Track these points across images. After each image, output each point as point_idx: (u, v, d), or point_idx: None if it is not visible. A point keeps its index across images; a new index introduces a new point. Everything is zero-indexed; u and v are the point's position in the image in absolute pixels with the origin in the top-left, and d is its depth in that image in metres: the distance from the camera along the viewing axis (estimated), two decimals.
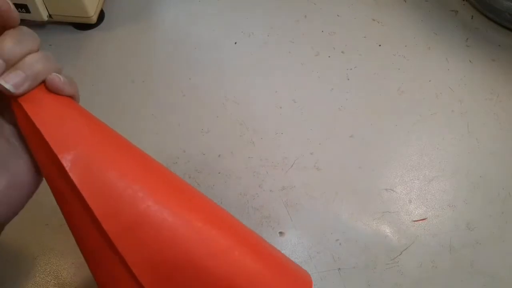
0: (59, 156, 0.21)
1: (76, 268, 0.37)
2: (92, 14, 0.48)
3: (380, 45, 0.52)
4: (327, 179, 0.42)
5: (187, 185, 0.25)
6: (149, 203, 0.21)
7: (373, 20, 0.54)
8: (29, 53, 0.21)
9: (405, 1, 0.56)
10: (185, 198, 0.23)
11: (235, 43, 0.52)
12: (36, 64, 0.21)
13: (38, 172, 0.24)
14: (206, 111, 0.46)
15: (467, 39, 0.52)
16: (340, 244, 0.39)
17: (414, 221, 0.40)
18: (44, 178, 0.23)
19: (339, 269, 0.37)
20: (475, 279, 0.37)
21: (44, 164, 0.22)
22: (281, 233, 0.39)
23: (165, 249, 0.21)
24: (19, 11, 0.46)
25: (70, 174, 0.20)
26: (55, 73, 0.22)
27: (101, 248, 0.21)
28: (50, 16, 0.47)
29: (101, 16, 0.52)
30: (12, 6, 0.21)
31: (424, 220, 0.40)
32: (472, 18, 0.54)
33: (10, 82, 0.20)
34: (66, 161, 0.21)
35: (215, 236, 0.22)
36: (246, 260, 0.23)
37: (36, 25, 0.51)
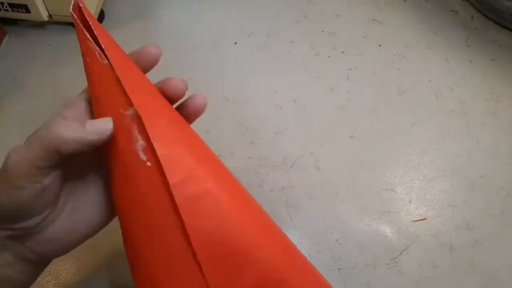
0: (146, 123, 0.21)
1: (76, 268, 0.37)
2: (92, 14, 0.48)
3: (380, 45, 0.52)
4: (327, 179, 0.42)
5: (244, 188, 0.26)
6: (212, 183, 0.22)
7: (373, 20, 0.54)
8: None
9: (405, 1, 0.56)
10: (239, 190, 0.24)
11: (235, 43, 0.52)
12: None
13: (98, 225, 0.25)
14: (206, 111, 0.46)
15: (467, 39, 0.52)
16: (340, 244, 0.39)
17: (414, 221, 0.40)
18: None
19: (339, 269, 0.37)
20: (475, 279, 0.37)
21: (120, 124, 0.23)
22: None
23: (227, 231, 0.21)
24: (19, 12, 0.46)
25: (149, 132, 0.21)
26: None
27: (164, 214, 0.21)
28: (50, 16, 0.47)
29: (101, 16, 0.52)
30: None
31: (424, 220, 0.40)
32: (472, 18, 0.54)
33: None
34: (149, 122, 0.22)
35: (263, 228, 0.23)
36: (289, 259, 0.23)
37: (36, 25, 0.51)
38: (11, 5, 0.45)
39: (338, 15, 0.54)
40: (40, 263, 0.24)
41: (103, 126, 0.22)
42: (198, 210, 0.21)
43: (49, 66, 0.49)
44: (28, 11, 0.45)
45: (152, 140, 0.21)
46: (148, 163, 0.21)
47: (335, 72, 0.49)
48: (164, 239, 0.21)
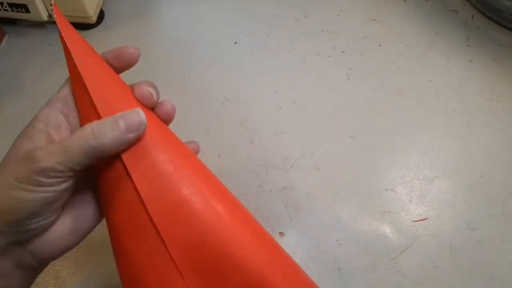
0: None
1: (75, 268, 0.37)
2: (92, 14, 0.48)
3: (380, 45, 0.51)
4: (327, 179, 0.42)
5: (227, 189, 0.26)
6: (192, 191, 0.22)
7: (373, 20, 0.54)
8: None
9: (405, 1, 0.56)
10: (223, 194, 0.24)
11: (235, 43, 0.51)
12: None
13: (93, 224, 0.25)
14: (206, 111, 0.46)
15: (467, 38, 0.52)
16: (340, 244, 0.38)
17: (415, 221, 0.40)
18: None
19: (339, 269, 0.37)
20: (475, 279, 0.37)
21: None
22: (281, 233, 0.39)
23: (202, 235, 0.21)
24: (18, 11, 0.46)
25: (122, 156, 0.21)
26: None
27: (144, 227, 0.22)
28: (49, 16, 0.47)
29: (101, 16, 0.52)
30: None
31: (424, 220, 0.40)
32: (472, 18, 0.54)
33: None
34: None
35: (249, 237, 0.23)
36: (273, 263, 0.23)
37: (36, 25, 0.51)
38: (11, 5, 0.45)
39: (338, 15, 0.54)
40: (39, 267, 0.24)
41: (136, 118, 0.21)
42: (175, 220, 0.21)
43: (49, 65, 0.49)
44: (27, 11, 0.45)
45: (126, 165, 0.21)
46: (125, 175, 0.22)
47: (335, 71, 0.49)
48: (149, 249, 0.22)
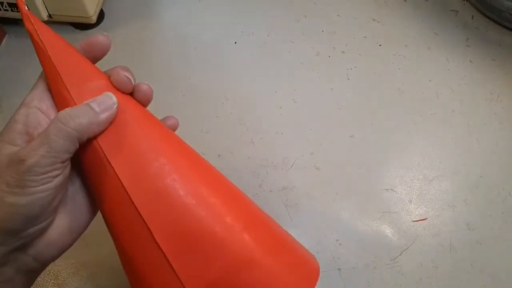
0: None
1: (75, 268, 0.37)
2: (92, 14, 0.48)
3: (380, 45, 0.51)
4: (327, 179, 0.42)
5: (213, 168, 0.26)
6: (174, 177, 0.22)
7: (373, 20, 0.54)
8: None
9: (405, 1, 0.56)
10: (208, 177, 0.24)
11: (235, 43, 0.51)
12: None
13: (87, 220, 0.25)
14: (206, 111, 0.46)
15: (467, 39, 0.52)
16: (340, 244, 0.38)
17: (415, 221, 0.40)
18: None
19: (339, 269, 0.37)
20: (475, 279, 0.37)
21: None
22: None
23: (186, 221, 0.21)
24: (18, 11, 0.46)
25: (99, 141, 0.22)
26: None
27: (129, 211, 0.22)
28: (49, 16, 0.47)
29: (101, 16, 0.52)
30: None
31: (424, 220, 0.40)
32: (472, 18, 0.54)
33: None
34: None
35: (231, 216, 0.23)
36: (258, 240, 0.23)
37: None
38: (11, 5, 0.45)
39: (338, 15, 0.54)
40: (39, 270, 0.24)
41: (108, 100, 0.22)
42: (158, 206, 0.21)
43: None
44: None
45: (105, 153, 0.21)
46: (107, 166, 0.22)
47: (335, 72, 0.49)
48: (136, 235, 0.22)
